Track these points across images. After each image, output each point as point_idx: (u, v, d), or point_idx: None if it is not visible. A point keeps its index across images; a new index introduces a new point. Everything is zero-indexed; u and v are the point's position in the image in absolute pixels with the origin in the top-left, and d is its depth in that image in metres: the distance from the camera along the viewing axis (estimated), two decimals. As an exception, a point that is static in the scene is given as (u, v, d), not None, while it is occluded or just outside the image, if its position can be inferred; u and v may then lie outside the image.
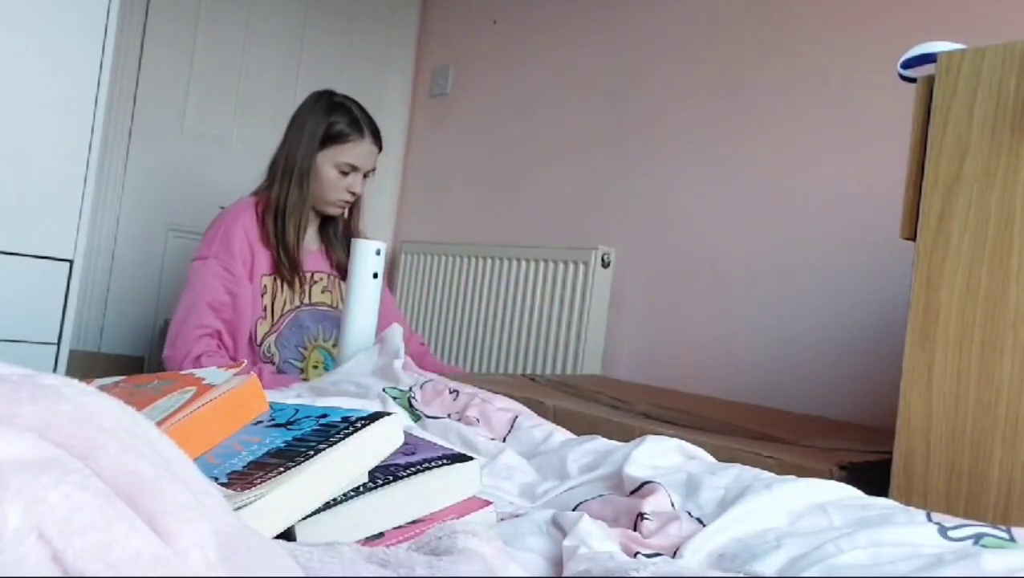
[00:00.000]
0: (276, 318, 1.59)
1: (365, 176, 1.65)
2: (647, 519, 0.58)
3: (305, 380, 1.40)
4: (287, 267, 1.59)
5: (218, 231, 1.58)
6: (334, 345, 1.59)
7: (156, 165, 2.33)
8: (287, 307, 1.61)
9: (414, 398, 0.97)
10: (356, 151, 1.61)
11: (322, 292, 1.67)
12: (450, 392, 0.97)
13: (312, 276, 1.66)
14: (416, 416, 0.94)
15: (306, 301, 1.64)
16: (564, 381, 1.44)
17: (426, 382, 1.00)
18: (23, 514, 0.23)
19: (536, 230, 2.27)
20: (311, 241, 1.69)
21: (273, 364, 1.57)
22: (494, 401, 0.93)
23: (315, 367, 1.62)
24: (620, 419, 1.09)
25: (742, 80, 1.92)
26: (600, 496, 0.65)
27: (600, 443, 0.76)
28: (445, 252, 2.52)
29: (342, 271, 1.65)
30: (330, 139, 1.59)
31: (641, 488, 0.63)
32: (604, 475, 0.68)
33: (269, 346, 1.58)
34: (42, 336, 1.64)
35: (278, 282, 1.60)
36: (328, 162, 1.59)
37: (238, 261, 1.55)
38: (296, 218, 1.59)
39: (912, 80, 0.90)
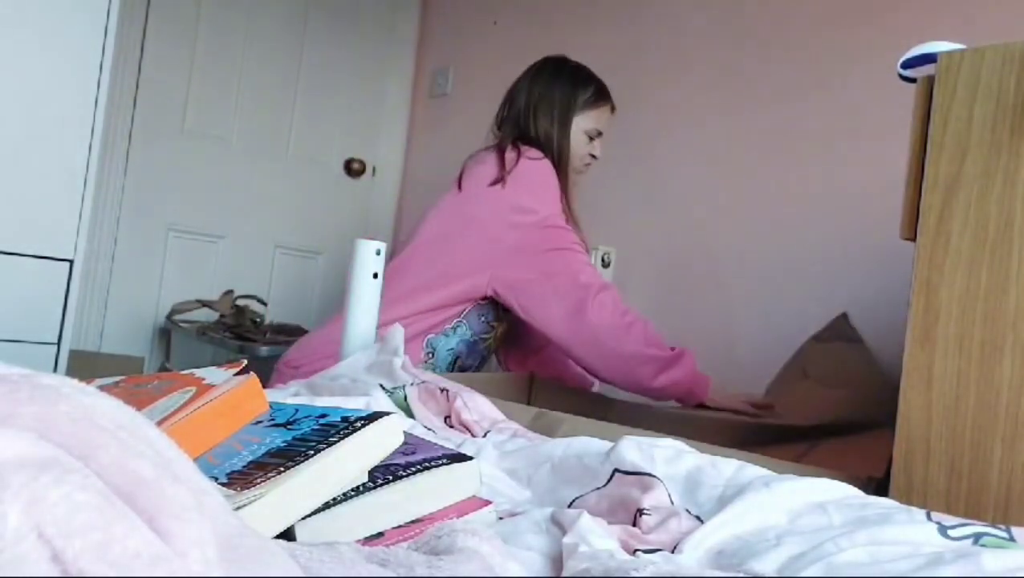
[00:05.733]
0: None
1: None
2: (647, 514, 0.58)
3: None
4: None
5: (549, 185, 1.51)
6: None
7: (156, 165, 2.33)
8: None
9: (408, 397, 0.97)
10: (602, 116, 1.63)
11: None
12: (441, 391, 0.97)
13: None
14: (411, 414, 0.94)
15: None
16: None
17: (420, 382, 1.00)
18: (23, 514, 0.23)
19: (536, 230, 2.27)
20: None
21: None
22: (469, 410, 0.93)
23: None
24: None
25: (742, 80, 1.92)
26: (596, 489, 0.65)
27: (584, 439, 0.75)
28: (445, 252, 2.51)
29: None
30: (581, 106, 1.60)
31: (638, 476, 0.63)
32: (593, 467, 0.68)
33: None
34: (42, 336, 1.64)
35: None
36: (579, 129, 1.60)
37: None
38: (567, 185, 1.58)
39: (912, 80, 0.90)
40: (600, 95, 1.62)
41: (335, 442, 0.51)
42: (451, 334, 1.52)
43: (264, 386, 1.58)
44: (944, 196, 0.82)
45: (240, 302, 2.28)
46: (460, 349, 1.54)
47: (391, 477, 0.53)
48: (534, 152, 1.52)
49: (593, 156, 1.64)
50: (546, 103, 1.59)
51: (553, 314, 1.43)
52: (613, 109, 1.65)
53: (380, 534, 0.51)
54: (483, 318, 1.54)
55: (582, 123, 1.59)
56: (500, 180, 1.47)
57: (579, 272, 1.45)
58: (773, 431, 1.36)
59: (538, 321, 1.45)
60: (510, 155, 1.51)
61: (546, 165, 1.51)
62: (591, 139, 1.61)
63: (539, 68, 1.64)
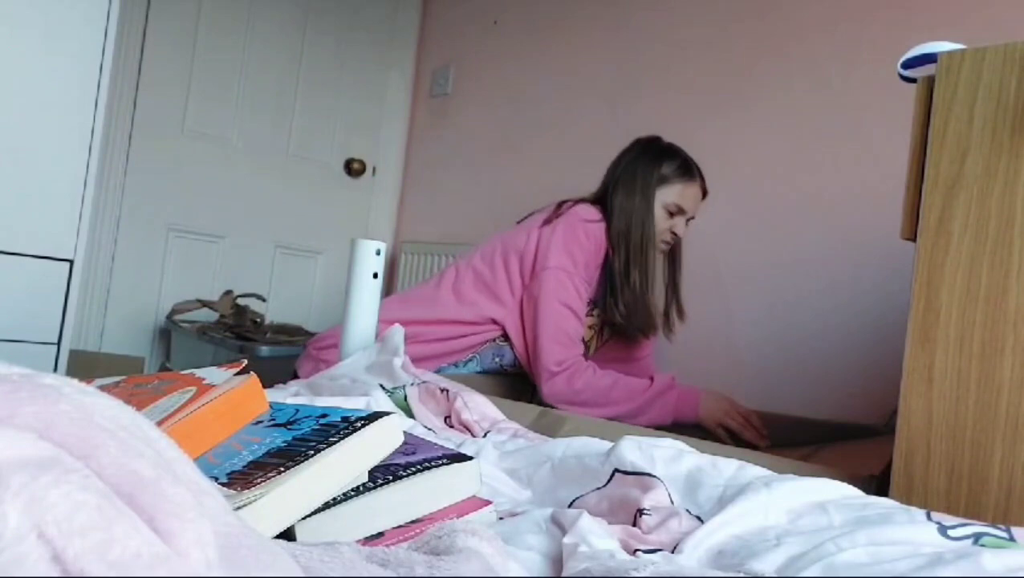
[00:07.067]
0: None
1: (687, 220, 1.63)
2: (647, 514, 0.58)
3: None
4: (632, 318, 1.55)
5: (582, 245, 1.51)
6: None
7: (156, 165, 2.33)
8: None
9: (408, 397, 0.97)
10: (686, 193, 1.59)
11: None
12: (441, 391, 0.97)
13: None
14: (411, 414, 0.94)
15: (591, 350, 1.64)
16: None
17: (420, 382, 1.00)
18: (23, 514, 0.23)
19: (536, 230, 2.27)
20: None
21: None
22: (470, 410, 0.93)
23: None
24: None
25: (742, 80, 1.92)
26: (596, 489, 0.65)
27: (584, 439, 0.75)
28: (445, 252, 2.52)
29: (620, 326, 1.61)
30: (662, 180, 1.58)
31: (638, 476, 0.63)
32: (593, 467, 0.68)
33: None
34: (42, 336, 1.64)
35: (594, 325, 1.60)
36: (658, 202, 1.57)
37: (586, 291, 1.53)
38: (645, 264, 1.55)
39: (912, 80, 0.90)
40: (684, 170, 1.59)
41: (335, 442, 0.51)
42: (461, 367, 1.54)
43: (294, 370, 1.61)
44: (944, 196, 0.82)
45: (240, 302, 2.28)
46: None
47: (391, 477, 0.53)
48: (592, 213, 1.52)
49: (674, 233, 1.60)
50: (628, 176, 1.58)
51: (534, 354, 1.48)
52: (705, 193, 1.62)
53: (380, 534, 0.51)
54: (496, 358, 1.56)
55: (662, 196, 1.57)
56: (548, 221, 1.52)
57: (552, 350, 1.44)
58: (782, 423, 1.36)
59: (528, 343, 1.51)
60: (567, 204, 1.55)
61: (593, 228, 1.51)
62: (671, 215, 1.58)
63: (630, 146, 1.64)
